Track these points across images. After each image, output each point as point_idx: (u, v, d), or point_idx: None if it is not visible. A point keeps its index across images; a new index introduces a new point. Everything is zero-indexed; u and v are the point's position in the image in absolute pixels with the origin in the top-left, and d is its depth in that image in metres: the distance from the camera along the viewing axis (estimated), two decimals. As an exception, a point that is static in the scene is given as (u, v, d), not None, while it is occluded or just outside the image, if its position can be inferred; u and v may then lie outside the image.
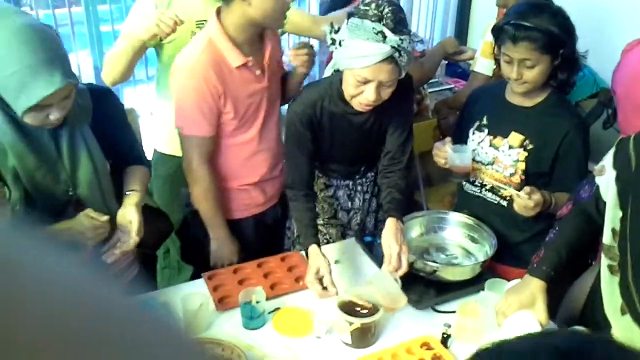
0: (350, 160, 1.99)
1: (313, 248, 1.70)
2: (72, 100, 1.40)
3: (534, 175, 1.81)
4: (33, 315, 0.23)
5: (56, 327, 0.23)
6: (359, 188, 2.06)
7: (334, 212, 2.07)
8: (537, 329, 1.47)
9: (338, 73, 1.74)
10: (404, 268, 1.64)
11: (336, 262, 1.87)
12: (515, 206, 1.73)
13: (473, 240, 1.90)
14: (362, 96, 1.65)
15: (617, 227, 1.45)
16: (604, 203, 1.47)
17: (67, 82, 1.30)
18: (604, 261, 1.51)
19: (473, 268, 1.75)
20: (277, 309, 1.69)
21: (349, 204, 2.07)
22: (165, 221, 1.91)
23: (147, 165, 1.80)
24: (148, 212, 1.68)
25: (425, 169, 3.03)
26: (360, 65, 1.57)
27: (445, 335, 1.57)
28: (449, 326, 1.57)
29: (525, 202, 1.68)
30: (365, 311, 1.58)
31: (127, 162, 1.71)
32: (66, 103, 1.37)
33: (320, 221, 2.01)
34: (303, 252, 1.94)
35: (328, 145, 1.88)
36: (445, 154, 1.83)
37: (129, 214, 1.57)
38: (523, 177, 1.82)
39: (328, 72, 1.82)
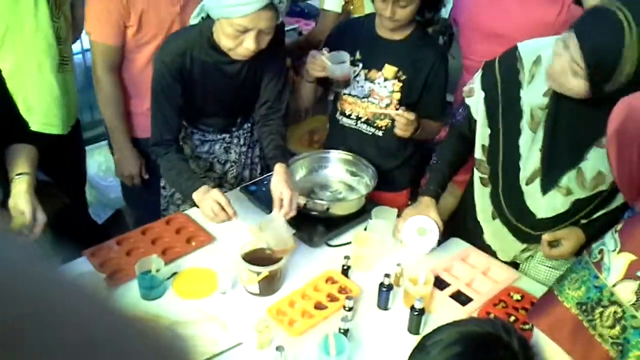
0: (225, 112, 1.92)
1: (203, 187, 1.63)
2: None
3: (407, 105, 1.91)
4: None
5: None
6: (235, 141, 2.01)
7: (210, 164, 2.01)
8: (434, 226, 1.64)
9: (207, 21, 1.65)
10: (294, 212, 1.66)
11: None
12: (397, 125, 1.82)
13: (353, 174, 1.98)
14: (241, 47, 1.58)
15: (487, 143, 1.62)
16: (475, 122, 1.62)
17: None
18: (476, 174, 1.68)
19: (359, 200, 1.83)
20: (175, 273, 1.63)
21: (225, 156, 2.02)
22: (60, 194, 1.71)
23: (33, 142, 1.59)
24: (40, 190, 1.50)
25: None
26: (239, 14, 1.50)
27: (345, 267, 1.64)
28: (348, 258, 1.65)
29: (407, 115, 1.78)
30: (268, 259, 1.59)
31: (8, 137, 1.49)
32: None
33: None
34: (188, 212, 1.88)
35: (201, 98, 1.79)
36: (322, 62, 1.83)
37: (20, 204, 1.38)
38: (397, 106, 1.92)
39: (194, 21, 1.71)
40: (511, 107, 1.53)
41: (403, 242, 1.68)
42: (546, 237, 1.55)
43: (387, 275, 1.53)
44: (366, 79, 1.95)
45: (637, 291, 0.91)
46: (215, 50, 1.67)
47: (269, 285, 1.56)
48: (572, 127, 1.44)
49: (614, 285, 0.94)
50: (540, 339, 1.01)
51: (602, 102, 1.26)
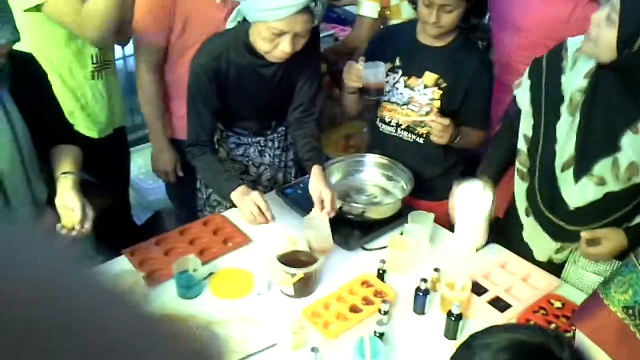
0: (260, 115, 1.94)
1: (241, 188, 1.66)
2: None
3: (448, 112, 1.87)
4: None
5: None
6: (269, 144, 2.02)
7: (244, 167, 2.03)
8: (487, 197, 1.63)
9: (244, 24, 1.67)
10: (334, 211, 1.66)
11: None
12: (432, 131, 1.80)
13: (389, 178, 1.97)
14: (277, 49, 1.60)
15: (529, 133, 1.59)
16: (520, 111, 1.60)
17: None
18: (517, 165, 1.66)
19: (395, 204, 1.82)
20: (211, 274, 1.65)
21: (260, 159, 2.03)
22: (104, 194, 1.77)
23: (78, 143, 1.64)
24: (84, 189, 1.54)
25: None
26: (275, 17, 1.51)
27: (381, 271, 1.63)
28: (384, 262, 1.64)
29: (441, 121, 1.76)
30: (303, 261, 1.59)
31: (54, 138, 1.54)
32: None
33: None
34: (225, 213, 1.90)
35: (236, 101, 1.81)
36: (358, 72, 1.82)
37: (69, 201, 1.43)
38: (438, 114, 1.87)
39: (230, 24, 1.74)
40: (553, 93, 1.53)
41: (455, 211, 1.70)
42: (585, 234, 1.50)
43: (423, 280, 1.51)
44: (406, 86, 1.91)
45: None
46: (251, 53, 1.69)
47: (304, 287, 1.56)
48: (609, 108, 1.42)
49: None
50: (584, 343, 0.98)
51: (634, 90, 1.32)
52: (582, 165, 1.48)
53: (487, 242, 1.76)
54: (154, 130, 2.17)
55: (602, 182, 1.47)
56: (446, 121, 1.77)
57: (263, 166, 2.03)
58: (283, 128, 2.01)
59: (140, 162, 3.05)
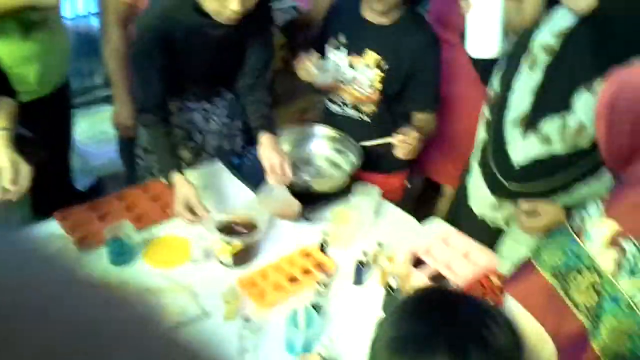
0: (207, 79, 1.86)
1: (178, 177, 1.60)
2: None
3: (391, 94, 1.82)
4: None
5: None
6: (216, 110, 1.95)
7: (188, 134, 1.95)
8: None
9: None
10: (289, 177, 1.62)
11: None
12: (399, 150, 1.75)
13: (339, 152, 1.93)
14: (226, 9, 1.52)
15: (497, 84, 1.56)
16: None
17: None
18: (484, 111, 1.65)
19: (342, 178, 1.79)
20: (147, 241, 1.59)
21: (205, 126, 1.96)
22: (38, 150, 1.66)
23: (14, 95, 1.53)
24: (19, 144, 1.45)
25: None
26: None
27: (323, 243, 1.60)
28: (326, 234, 1.61)
29: (409, 140, 1.71)
30: (243, 230, 1.55)
31: None
32: None
33: None
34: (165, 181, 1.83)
35: (184, 63, 1.73)
36: (309, 69, 1.78)
37: (0, 160, 1.34)
38: (381, 96, 1.84)
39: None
40: (522, 44, 1.48)
41: None
42: (524, 205, 1.47)
43: (364, 253, 1.49)
44: (350, 65, 1.86)
45: (618, 260, 0.87)
46: (200, 14, 1.61)
47: (243, 257, 1.52)
48: (574, 67, 1.37)
49: (594, 253, 0.91)
50: (513, 306, 0.98)
51: (607, 39, 1.26)
52: (531, 122, 1.45)
53: (428, 216, 1.76)
54: (117, 84, 2.13)
55: (547, 141, 1.43)
56: (412, 137, 1.71)
57: (210, 134, 1.96)
58: (232, 96, 1.94)
59: (85, 126, 2.93)
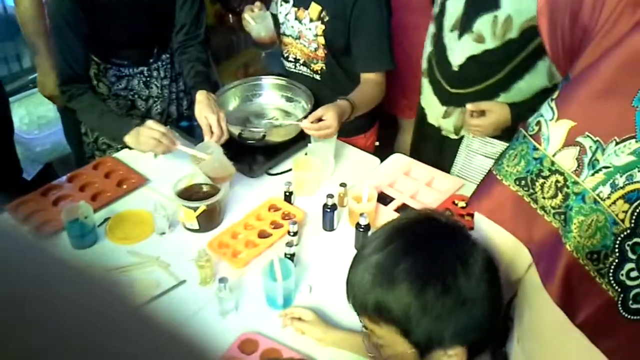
0: (139, 42, 1.77)
1: (134, 130, 1.52)
2: None
3: (337, 49, 1.73)
4: None
5: None
6: (154, 74, 1.87)
7: (130, 102, 1.88)
8: None
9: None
10: (226, 135, 1.58)
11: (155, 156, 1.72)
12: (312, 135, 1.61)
13: (289, 100, 1.89)
14: None
15: None
16: None
17: None
18: (430, 27, 1.68)
19: (296, 125, 1.75)
20: (107, 219, 1.54)
21: (147, 91, 1.88)
22: None
23: None
24: None
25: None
26: None
27: (287, 194, 1.59)
28: (290, 184, 1.59)
29: (318, 126, 1.55)
30: (204, 193, 1.52)
31: None
32: None
33: None
34: (116, 155, 1.77)
35: (107, 26, 1.64)
36: (248, 25, 1.71)
37: None
38: (326, 51, 1.75)
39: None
40: None
41: None
42: (470, 105, 1.53)
43: (330, 196, 1.48)
44: (296, 18, 1.76)
45: (578, 157, 0.89)
46: None
47: (209, 220, 1.50)
48: None
49: (554, 155, 0.92)
50: (483, 223, 0.99)
51: None
52: (465, 23, 1.52)
53: (390, 153, 1.76)
54: (39, 49, 2.01)
55: (480, 39, 1.51)
56: (324, 121, 1.54)
57: (152, 99, 1.88)
58: (167, 56, 1.86)
59: (21, 113, 2.78)
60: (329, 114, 1.54)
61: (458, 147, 1.73)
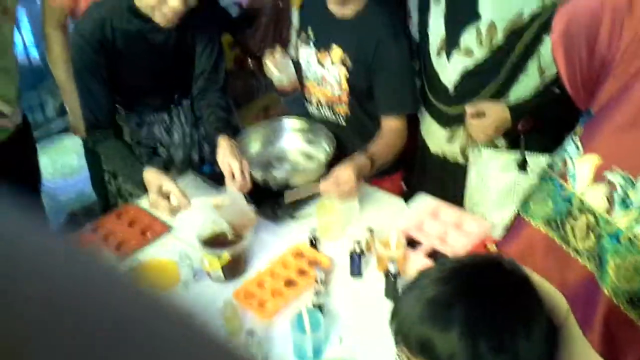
0: (159, 89, 1.78)
1: (146, 171, 1.51)
2: None
3: (359, 93, 1.71)
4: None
5: None
6: (176, 120, 1.87)
7: (152, 149, 1.88)
8: None
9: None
10: (249, 183, 1.56)
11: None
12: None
13: (310, 142, 1.88)
14: (166, 5, 1.45)
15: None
16: None
17: None
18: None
19: (319, 168, 1.73)
20: (132, 269, 1.51)
21: (168, 138, 1.88)
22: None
23: None
24: None
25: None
26: None
27: (313, 239, 1.56)
28: (315, 229, 1.56)
29: (337, 184, 1.50)
30: (229, 241, 1.49)
31: None
32: None
33: None
34: (140, 202, 1.76)
35: (130, 73, 1.65)
36: (271, 74, 1.73)
37: None
38: (349, 94, 1.73)
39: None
40: None
41: None
42: (469, 108, 1.56)
43: (357, 242, 1.45)
44: (318, 62, 1.74)
45: (608, 195, 0.85)
46: (138, 18, 1.53)
47: (234, 269, 1.47)
48: None
49: (582, 193, 0.88)
50: None
51: None
52: (450, 42, 1.57)
53: (415, 193, 1.73)
54: (68, 93, 2.04)
55: (469, 52, 1.54)
56: (343, 179, 1.47)
57: (173, 146, 1.89)
58: (189, 102, 1.87)
59: (45, 162, 2.81)
60: (347, 173, 1.48)
61: (467, 174, 1.71)
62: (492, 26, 1.50)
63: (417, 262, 1.46)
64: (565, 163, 0.93)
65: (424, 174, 1.86)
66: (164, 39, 1.61)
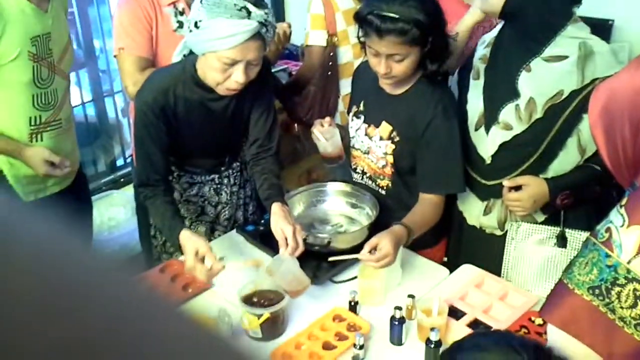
0: (213, 152, 1.85)
1: (183, 233, 1.55)
2: None
3: (404, 168, 1.73)
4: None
5: None
6: (225, 181, 1.93)
7: (201, 208, 1.93)
8: None
9: (189, 57, 1.60)
10: (301, 247, 1.56)
11: (221, 258, 1.73)
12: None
13: (353, 206, 1.89)
14: (230, 80, 1.53)
15: None
16: None
17: None
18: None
19: (362, 232, 1.74)
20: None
21: (216, 198, 1.94)
22: None
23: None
24: None
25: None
26: (226, 46, 1.45)
27: (353, 303, 1.54)
28: (355, 293, 1.55)
29: (377, 258, 1.47)
30: (269, 300, 1.49)
31: None
32: None
33: (187, 222, 1.86)
34: (182, 258, 1.79)
35: (187, 138, 1.73)
36: (318, 142, 1.78)
37: None
38: (393, 169, 1.75)
39: (176, 58, 1.67)
40: (467, 67, 1.73)
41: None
42: (507, 182, 1.61)
43: (398, 308, 1.43)
44: (366, 134, 1.78)
45: None
46: (200, 87, 1.62)
47: (272, 328, 1.46)
48: (507, 60, 1.59)
49: (629, 262, 0.87)
50: (557, 336, 0.92)
51: (525, 35, 1.54)
52: (489, 118, 1.62)
53: (460, 264, 1.70)
54: None
55: (508, 127, 1.59)
56: (381, 255, 1.46)
57: (220, 205, 1.93)
58: (238, 164, 1.93)
59: (94, 215, 2.90)
60: (385, 242, 1.46)
61: (504, 245, 1.70)
62: (531, 102, 1.54)
63: (460, 332, 1.42)
64: (610, 232, 0.92)
65: (459, 245, 1.85)
66: (223, 107, 1.68)
